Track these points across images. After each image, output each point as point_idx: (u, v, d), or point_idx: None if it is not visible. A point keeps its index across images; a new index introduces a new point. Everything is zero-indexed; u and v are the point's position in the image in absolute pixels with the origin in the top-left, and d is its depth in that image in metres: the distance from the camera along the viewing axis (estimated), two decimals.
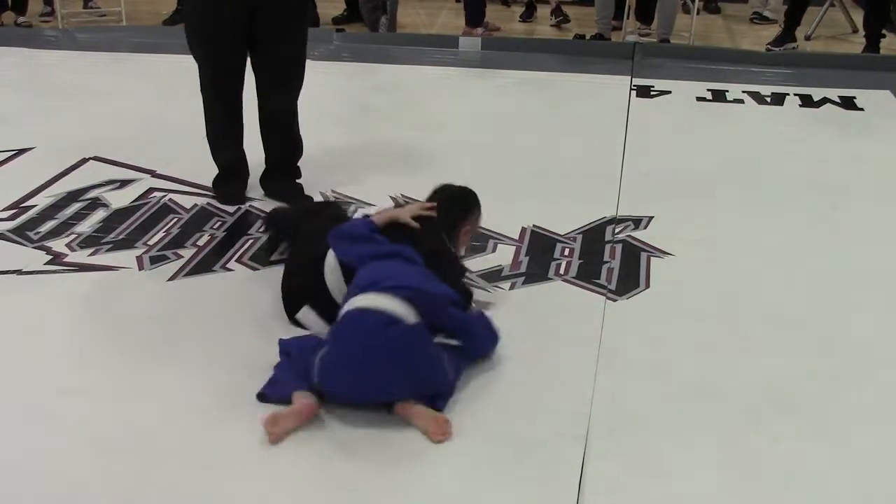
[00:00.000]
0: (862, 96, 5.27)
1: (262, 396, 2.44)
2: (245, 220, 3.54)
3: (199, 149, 3.98)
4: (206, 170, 3.85)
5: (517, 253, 3.29)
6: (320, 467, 2.23)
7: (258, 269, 3.19)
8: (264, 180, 3.79)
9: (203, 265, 3.21)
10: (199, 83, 3.66)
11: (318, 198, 3.72)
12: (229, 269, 3.19)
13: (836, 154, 4.39)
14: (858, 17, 6.81)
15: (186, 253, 3.28)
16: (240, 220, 3.54)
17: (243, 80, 3.65)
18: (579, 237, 3.42)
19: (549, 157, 4.24)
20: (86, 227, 3.49)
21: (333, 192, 3.78)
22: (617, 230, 3.48)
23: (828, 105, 5.17)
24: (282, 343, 2.59)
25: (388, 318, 2.37)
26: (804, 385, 2.55)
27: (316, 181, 3.83)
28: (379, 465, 2.23)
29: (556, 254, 3.29)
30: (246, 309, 2.92)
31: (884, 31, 6.52)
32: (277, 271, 3.15)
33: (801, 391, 2.53)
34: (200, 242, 3.36)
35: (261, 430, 2.31)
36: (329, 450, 2.28)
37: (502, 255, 3.27)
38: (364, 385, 2.36)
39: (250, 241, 3.37)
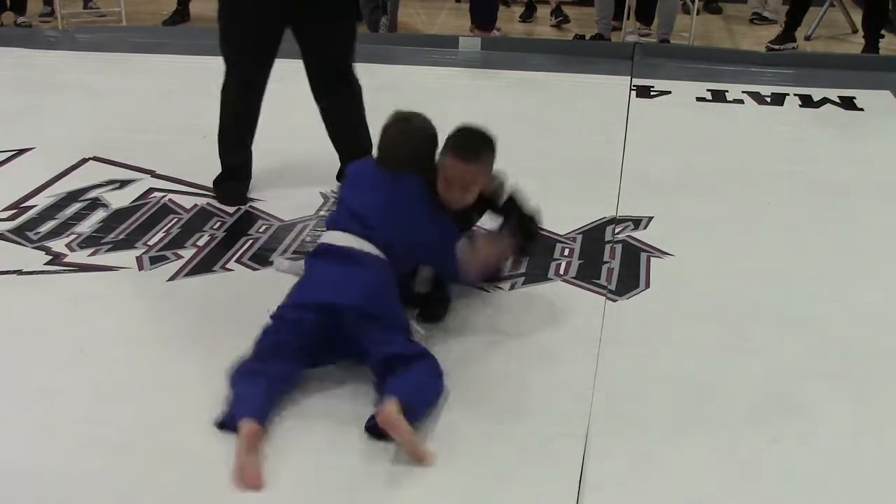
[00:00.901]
0: (862, 96, 5.27)
1: (222, 425, 2.34)
2: (245, 221, 3.54)
3: (199, 149, 3.99)
4: (206, 170, 3.85)
5: None
6: (319, 467, 2.23)
7: (258, 270, 3.19)
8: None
9: (203, 265, 3.21)
10: (217, 83, 3.65)
11: (319, 198, 3.72)
12: (229, 270, 3.19)
13: (836, 154, 4.38)
14: (858, 17, 6.81)
15: (186, 253, 3.28)
16: (240, 221, 3.55)
17: (266, 82, 3.70)
18: (579, 237, 3.42)
19: (548, 157, 4.24)
20: (86, 227, 3.49)
21: (333, 192, 3.77)
22: (617, 230, 3.48)
23: (828, 105, 5.17)
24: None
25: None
26: (804, 385, 2.55)
27: (318, 181, 3.83)
28: (378, 464, 2.23)
29: (556, 254, 3.29)
30: (246, 309, 2.91)
31: (882, 32, 6.52)
32: (276, 272, 3.16)
33: (801, 391, 2.53)
34: (200, 242, 3.36)
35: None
36: (328, 450, 2.28)
37: None
38: (334, 286, 2.48)
39: (250, 242, 3.37)
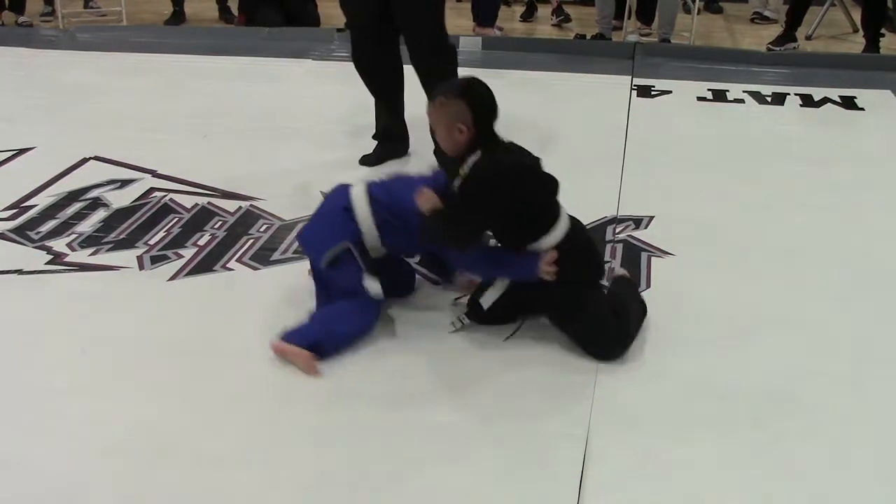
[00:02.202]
0: (862, 96, 5.26)
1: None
2: (246, 220, 3.54)
3: (200, 148, 4.00)
4: (206, 169, 3.86)
5: None
6: (321, 466, 2.23)
7: (259, 269, 3.19)
8: None
9: (204, 265, 3.21)
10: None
11: (320, 197, 3.71)
12: (230, 269, 3.19)
13: (837, 153, 4.38)
14: (859, 16, 6.80)
15: (187, 253, 3.28)
16: (241, 220, 3.54)
17: (388, 47, 3.94)
18: None
19: (549, 156, 4.15)
20: (86, 226, 3.49)
21: None
22: (617, 230, 3.48)
23: (828, 105, 5.16)
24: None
25: None
26: (804, 385, 2.55)
27: (319, 180, 3.83)
28: (379, 465, 2.23)
29: None
30: (246, 309, 2.92)
31: (883, 31, 6.52)
32: (277, 271, 3.17)
33: (802, 391, 2.52)
34: (201, 242, 3.36)
35: (262, 429, 2.34)
36: (330, 449, 2.29)
37: None
38: None
39: (251, 241, 3.37)
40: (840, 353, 2.71)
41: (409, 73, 4.00)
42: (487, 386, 2.53)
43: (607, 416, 2.40)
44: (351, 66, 4.04)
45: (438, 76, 3.88)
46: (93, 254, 3.28)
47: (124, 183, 3.89)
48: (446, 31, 3.97)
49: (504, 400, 2.47)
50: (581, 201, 3.69)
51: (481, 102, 2.67)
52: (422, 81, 3.93)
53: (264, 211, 3.62)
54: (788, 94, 5.32)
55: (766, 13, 7.60)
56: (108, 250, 3.31)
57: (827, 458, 2.28)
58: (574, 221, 2.74)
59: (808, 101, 5.22)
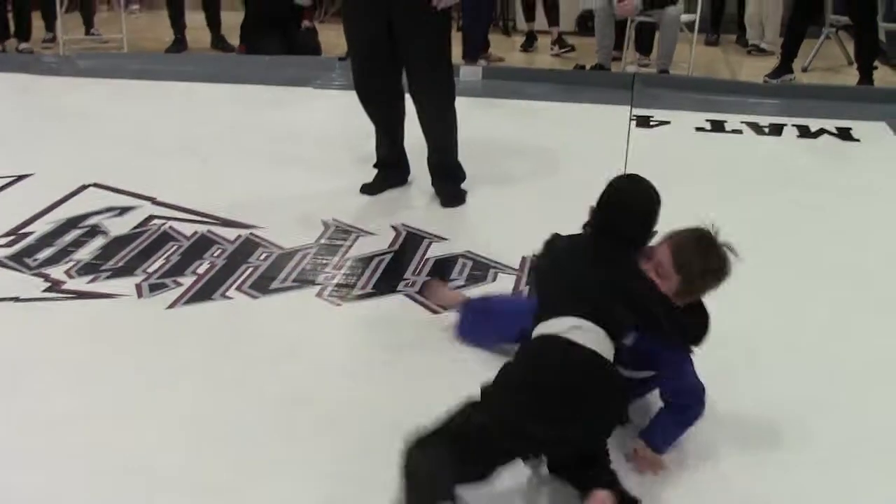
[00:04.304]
0: (858, 127, 5.29)
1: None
2: (245, 248, 3.54)
3: (200, 176, 4.00)
4: (206, 196, 3.85)
5: (518, 283, 3.29)
6: (320, 496, 2.22)
7: (258, 298, 3.18)
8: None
9: (203, 293, 3.20)
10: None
11: (320, 226, 3.72)
12: (228, 298, 3.18)
13: (835, 184, 4.40)
14: (852, 49, 6.85)
15: (186, 281, 3.27)
16: (240, 248, 3.54)
17: (390, 77, 3.92)
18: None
19: (549, 185, 4.25)
20: (84, 254, 3.49)
21: (335, 219, 3.78)
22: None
23: (825, 136, 5.19)
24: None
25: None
26: (804, 407, 2.54)
27: (319, 209, 3.85)
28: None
29: None
30: (244, 337, 2.92)
31: (875, 63, 6.57)
32: (276, 300, 3.16)
33: (801, 413, 2.52)
34: (200, 270, 3.36)
35: (264, 457, 2.33)
36: (331, 479, 2.27)
37: (502, 285, 3.26)
38: None
39: (250, 269, 3.36)
40: (838, 377, 2.71)
41: (410, 101, 4.01)
42: None
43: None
44: (352, 94, 4.06)
45: (437, 114, 3.92)
46: (91, 281, 3.27)
47: (123, 210, 3.89)
48: (451, 63, 3.98)
49: None
50: (580, 229, 3.70)
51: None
52: (418, 111, 3.95)
53: (264, 239, 3.61)
54: (785, 124, 5.35)
55: (763, 45, 7.66)
56: (107, 278, 3.30)
57: (825, 477, 2.28)
58: None
59: (804, 132, 5.25)
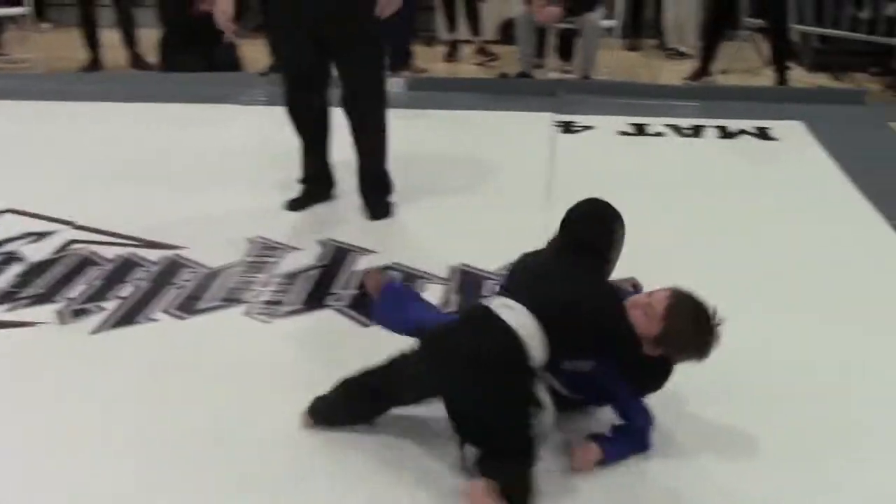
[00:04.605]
0: (775, 127, 5.42)
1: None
2: (170, 270, 3.47)
3: (122, 198, 3.92)
4: (128, 219, 3.78)
5: (447, 292, 3.28)
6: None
7: (185, 319, 3.12)
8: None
9: (128, 317, 3.13)
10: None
11: (245, 244, 3.67)
12: (155, 320, 3.12)
13: (754, 183, 4.49)
14: (768, 51, 7.02)
15: (110, 305, 3.20)
16: (164, 270, 3.47)
17: (320, 92, 3.89)
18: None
19: (475, 194, 4.26)
20: (1, 282, 3.38)
21: (261, 237, 3.74)
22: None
23: (744, 136, 5.29)
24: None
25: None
26: (733, 403, 2.57)
27: (244, 227, 3.79)
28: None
29: (487, 291, 3.28)
30: (173, 359, 2.86)
31: (789, 64, 6.74)
32: (203, 320, 3.11)
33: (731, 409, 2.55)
34: (124, 294, 3.28)
35: (201, 481, 2.29)
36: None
37: (432, 296, 3.24)
38: None
39: (176, 291, 3.30)
40: (748, 385, 2.73)
41: (337, 116, 3.98)
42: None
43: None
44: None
45: (371, 124, 3.90)
46: (9, 310, 3.18)
47: (41, 236, 3.78)
48: (384, 72, 3.97)
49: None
50: (509, 237, 3.70)
51: None
52: (353, 123, 3.92)
53: (189, 259, 3.55)
54: (706, 126, 5.44)
55: (682, 49, 7.79)
56: (26, 306, 3.21)
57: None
58: None
59: (724, 132, 5.35)
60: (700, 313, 2.33)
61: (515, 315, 2.22)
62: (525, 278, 2.45)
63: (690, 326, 2.30)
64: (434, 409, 2.38)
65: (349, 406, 2.48)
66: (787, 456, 2.41)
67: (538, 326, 2.21)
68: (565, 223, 2.58)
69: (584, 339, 2.31)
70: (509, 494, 2.13)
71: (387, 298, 2.68)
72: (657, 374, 2.40)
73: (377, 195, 4.02)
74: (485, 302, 2.36)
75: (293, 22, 3.73)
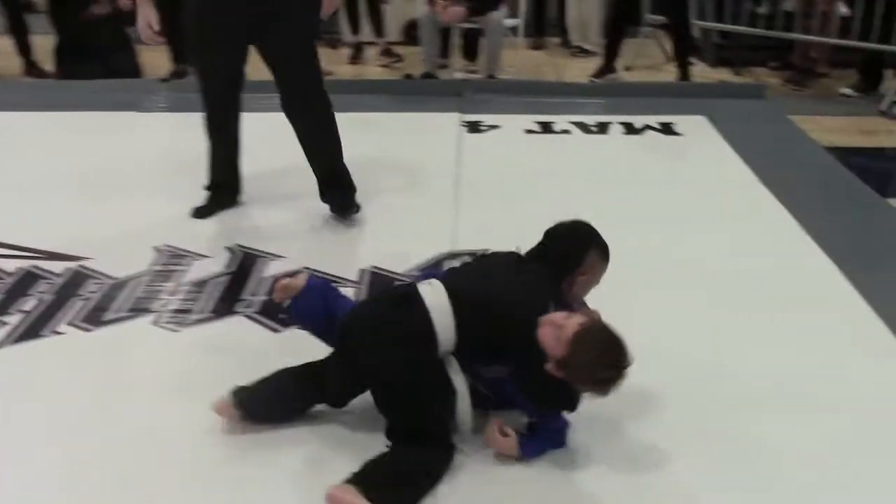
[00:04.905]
0: (679, 122, 5.52)
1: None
2: (74, 281, 3.39)
3: (21, 209, 3.81)
4: (28, 230, 3.68)
5: (358, 295, 3.27)
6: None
7: (91, 331, 3.06)
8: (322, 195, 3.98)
9: (31, 331, 3.05)
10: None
11: (152, 252, 3.61)
12: (60, 333, 3.05)
13: (660, 177, 4.57)
14: (670, 47, 7.16)
15: (12, 319, 3.11)
16: (69, 282, 3.39)
17: (239, 99, 3.83)
18: (419, 275, 3.42)
19: (383, 196, 4.25)
20: None
21: (168, 245, 3.68)
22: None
23: (649, 131, 5.38)
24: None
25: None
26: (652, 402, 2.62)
27: (150, 236, 3.73)
28: None
29: None
30: (80, 372, 2.80)
31: (692, 59, 6.89)
32: (111, 331, 3.05)
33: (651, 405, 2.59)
34: (27, 307, 3.20)
35: (110, 497, 2.25)
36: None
37: None
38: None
39: (81, 303, 3.23)
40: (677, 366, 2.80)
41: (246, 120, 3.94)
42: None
43: None
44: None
45: (324, 123, 3.85)
46: None
47: None
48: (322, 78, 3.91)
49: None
50: (418, 238, 3.73)
51: None
52: (305, 128, 3.87)
53: (94, 270, 3.47)
54: (611, 122, 5.52)
55: (587, 47, 7.90)
56: None
57: None
58: None
59: (630, 128, 5.43)
60: (608, 349, 2.28)
61: (433, 291, 2.34)
62: (466, 266, 2.59)
63: (594, 360, 2.25)
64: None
65: (277, 395, 2.50)
66: (682, 444, 2.47)
67: (451, 311, 2.29)
68: (543, 237, 2.64)
69: (488, 332, 2.33)
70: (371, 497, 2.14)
71: (307, 294, 2.64)
72: (559, 395, 2.35)
73: (342, 193, 3.95)
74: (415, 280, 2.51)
75: (225, 33, 3.64)
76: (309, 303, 2.58)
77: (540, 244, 2.63)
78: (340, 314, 2.49)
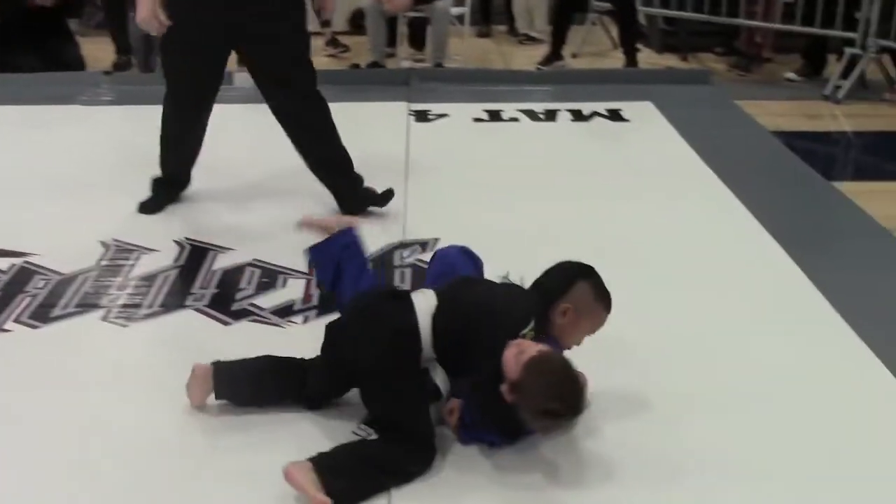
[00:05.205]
0: (627, 108, 5.55)
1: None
2: (20, 278, 3.34)
3: None
4: None
5: (308, 286, 3.27)
6: None
7: (39, 328, 3.02)
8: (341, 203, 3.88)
9: None
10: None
11: (99, 247, 3.57)
12: (7, 331, 3.00)
13: (608, 163, 4.62)
14: (616, 34, 7.21)
15: None
16: (14, 278, 3.34)
17: (209, 107, 3.75)
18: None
19: None
20: None
21: (115, 240, 3.64)
22: (405, 254, 3.51)
23: (597, 118, 5.41)
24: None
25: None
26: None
27: (96, 232, 3.68)
28: None
29: None
30: (29, 369, 2.77)
31: (638, 46, 6.95)
32: (59, 328, 3.02)
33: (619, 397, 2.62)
34: None
35: (62, 495, 2.24)
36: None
37: (293, 290, 3.25)
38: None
39: (28, 299, 3.19)
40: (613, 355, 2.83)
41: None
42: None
43: None
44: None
45: (323, 113, 3.83)
46: None
47: None
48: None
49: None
50: (367, 229, 3.70)
51: None
52: (304, 127, 3.84)
53: (40, 266, 3.43)
54: (559, 110, 5.54)
55: (533, 34, 7.93)
56: None
57: None
58: None
59: (578, 115, 5.46)
60: (561, 382, 2.24)
61: (424, 297, 2.43)
62: (458, 280, 2.59)
63: (543, 388, 2.20)
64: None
65: (252, 379, 2.52)
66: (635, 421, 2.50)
67: (432, 315, 2.37)
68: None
69: (461, 336, 2.35)
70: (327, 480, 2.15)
71: (337, 243, 2.71)
72: (503, 419, 2.29)
73: (351, 185, 3.91)
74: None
75: (206, 38, 3.55)
76: (326, 253, 2.72)
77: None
78: (347, 280, 2.63)
